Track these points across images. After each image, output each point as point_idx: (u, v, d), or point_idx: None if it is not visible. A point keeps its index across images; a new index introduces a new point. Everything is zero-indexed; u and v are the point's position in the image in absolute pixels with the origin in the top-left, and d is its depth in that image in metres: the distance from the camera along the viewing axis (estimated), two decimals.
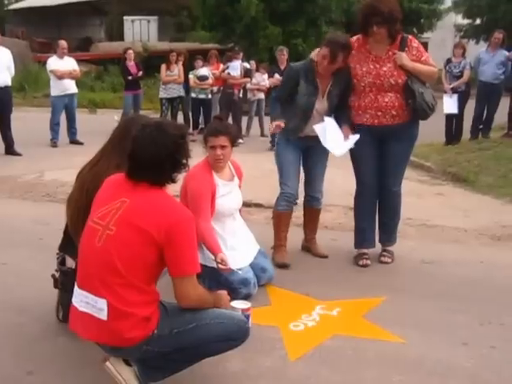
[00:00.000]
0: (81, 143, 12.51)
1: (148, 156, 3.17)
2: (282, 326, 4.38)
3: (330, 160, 5.85)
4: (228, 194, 4.92)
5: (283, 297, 4.92)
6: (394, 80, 5.28)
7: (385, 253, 5.82)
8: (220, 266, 4.43)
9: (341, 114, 5.62)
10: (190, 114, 14.43)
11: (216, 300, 3.48)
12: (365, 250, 5.81)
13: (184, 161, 3.30)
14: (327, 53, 5.25)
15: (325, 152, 5.63)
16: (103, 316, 3.11)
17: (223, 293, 3.63)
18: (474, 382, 3.74)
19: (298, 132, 5.58)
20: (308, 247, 5.97)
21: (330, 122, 5.53)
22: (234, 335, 3.40)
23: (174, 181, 3.32)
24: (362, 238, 5.83)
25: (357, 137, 5.51)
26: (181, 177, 3.51)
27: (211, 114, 13.44)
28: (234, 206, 5.03)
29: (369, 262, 5.72)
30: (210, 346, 3.34)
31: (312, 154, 5.71)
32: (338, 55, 5.23)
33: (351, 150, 5.61)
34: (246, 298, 4.56)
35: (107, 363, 3.28)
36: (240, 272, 4.63)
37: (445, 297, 4.96)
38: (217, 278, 4.56)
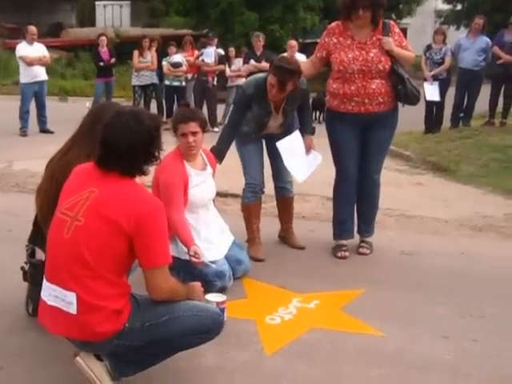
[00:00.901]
0: (51, 132, 12.40)
1: (121, 144, 3.12)
2: (258, 320, 4.37)
3: None
4: (201, 184, 4.88)
5: (259, 289, 4.91)
6: (382, 66, 5.27)
7: (363, 244, 5.84)
8: (193, 259, 4.40)
9: (302, 122, 5.74)
10: (164, 102, 14.36)
11: (189, 292, 3.45)
12: (343, 242, 5.81)
13: (156, 153, 3.27)
14: (275, 82, 5.17)
15: None
16: (72, 310, 3.08)
17: (196, 284, 3.61)
18: (455, 376, 3.74)
19: (249, 138, 5.58)
20: (285, 238, 5.97)
21: (293, 140, 5.64)
22: (208, 328, 3.37)
23: (144, 173, 3.28)
24: (341, 228, 5.84)
25: (319, 158, 5.73)
26: (152, 169, 3.48)
27: None
28: (208, 196, 5.00)
29: (347, 253, 5.72)
30: (183, 339, 3.32)
31: (274, 144, 5.62)
32: (286, 83, 5.16)
33: (332, 140, 5.63)
34: (221, 290, 4.54)
35: (77, 358, 3.25)
36: (214, 265, 4.61)
37: (425, 289, 4.98)
38: (191, 271, 4.53)
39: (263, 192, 5.75)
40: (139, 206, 3.11)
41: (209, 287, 4.34)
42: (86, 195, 3.15)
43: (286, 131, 5.61)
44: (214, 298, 4.05)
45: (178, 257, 4.54)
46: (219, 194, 7.13)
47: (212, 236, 4.87)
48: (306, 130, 5.73)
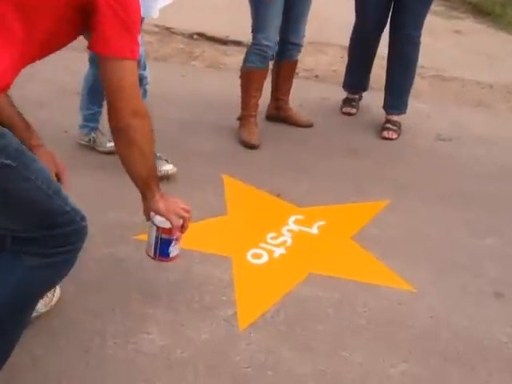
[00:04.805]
0: None
1: None
2: (236, 257, 2.85)
3: None
4: None
5: (245, 200, 3.34)
6: None
7: (389, 125, 4.22)
8: None
9: None
10: None
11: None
12: (355, 96, 4.48)
13: None
14: None
15: None
16: None
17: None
18: None
19: None
20: (282, 116, 4.28)
21: None
22: (57, 223, 1.83)
23: None
24: (354, 78, 4.54)
25: None
26: None
27: None
28: None
29: (354, 110, 4.49)
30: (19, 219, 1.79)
31: None
32: None
33: None
34: None
35: None
36: None
37: (469, 200, 3.47)
38: None
39: (273, 58, 4.00)
40: None
41: None
42: None
43: None
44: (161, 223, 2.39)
45: None
46: (217, 41, 5.50)
47: None
48: None
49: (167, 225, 2.15)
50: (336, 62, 5.53)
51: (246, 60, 3.97)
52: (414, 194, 3.47)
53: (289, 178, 3.53)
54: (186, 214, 2.11)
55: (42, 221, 1.80)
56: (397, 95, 4.25)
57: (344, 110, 4.48)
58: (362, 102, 4.56)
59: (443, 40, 6.48)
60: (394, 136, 4.15)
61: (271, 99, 4.23)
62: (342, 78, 4.94)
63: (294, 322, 2.49)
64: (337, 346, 2.38)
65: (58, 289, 2.40)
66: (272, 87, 4.19)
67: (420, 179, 3.65)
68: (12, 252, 1.85)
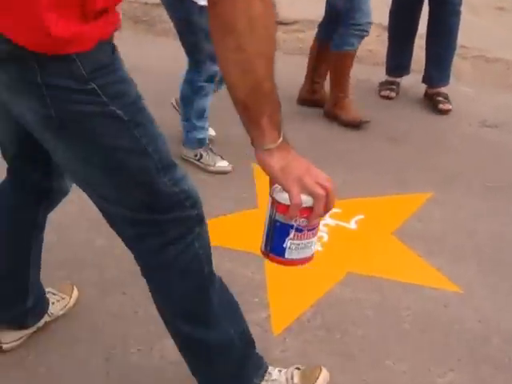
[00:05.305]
0: None
1: None
2: None
3: None
4: None
5: None
6: None
7: (440, 97, 4.13)
8: None
9: None
10: None
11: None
12: (396, 79, 4.30)
13: None
14: None
15: None
16: None
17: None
18: None
19: None
20: (316, 100, 4.06)
21: None
22: (164, 201, 1.54)
23: None
24: (396, 61, 4.36)
25: None
26: None
27: None
28: None
29: (393, 94, 4.29)
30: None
31: None
32: None
33: None
34: None
35: None
36: None
37: None
38: None
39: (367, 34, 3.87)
40: None
41: None
42: None
43: None
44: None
45: None
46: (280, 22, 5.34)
47: None
48: None
49: (285, 199, 1.34)
50: (372, 41, 5.29)
51: (343, 43, 3.76)
52: (460, 186, 3.29)
53: (324, 168, 3.31)
54: (320, 191, 1.30)
55: (143, 196, 1.50)
56: (441, 66, 4.19)
57: (383, 93, 4.33)
58: (401, 85, 4.37)
59: (485, 17, 6.24)
60: (449, 107, 4.09)
61: (306, 82, 4.06)
62: (378, 59, 4.81)
63: (332, 326, 2.34)
64: (379, 353, 2.23)
65: (75, 290, 2.27)
66: (309, 69, 4.02)
67: (466, 169, 3.47)
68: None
